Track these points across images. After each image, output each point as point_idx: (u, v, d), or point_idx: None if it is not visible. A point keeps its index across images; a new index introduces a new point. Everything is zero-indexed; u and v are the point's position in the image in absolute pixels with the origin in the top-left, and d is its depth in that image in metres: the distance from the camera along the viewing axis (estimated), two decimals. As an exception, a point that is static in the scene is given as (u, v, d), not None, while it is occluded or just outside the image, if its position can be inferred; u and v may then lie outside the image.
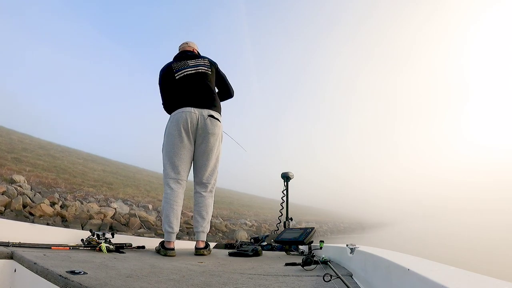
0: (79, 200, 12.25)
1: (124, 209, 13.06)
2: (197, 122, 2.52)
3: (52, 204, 10.90)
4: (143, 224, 11.77)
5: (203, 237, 2.60)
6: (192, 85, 2.63)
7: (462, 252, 12.60)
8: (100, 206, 12.47)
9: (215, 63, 2.81)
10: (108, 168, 25.29)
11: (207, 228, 2.63)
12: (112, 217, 11.71)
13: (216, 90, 2.82)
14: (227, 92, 2.88)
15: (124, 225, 11.47)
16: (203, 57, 2.79)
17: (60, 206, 11.01)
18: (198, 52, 2.91)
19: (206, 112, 2.55)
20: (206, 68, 2.70)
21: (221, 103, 2.78)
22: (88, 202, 12.50)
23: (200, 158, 2.61)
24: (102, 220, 11.08)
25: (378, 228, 44.69)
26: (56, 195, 11.86)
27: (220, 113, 2.68)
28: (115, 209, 12.49)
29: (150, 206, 14.91)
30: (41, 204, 10.29)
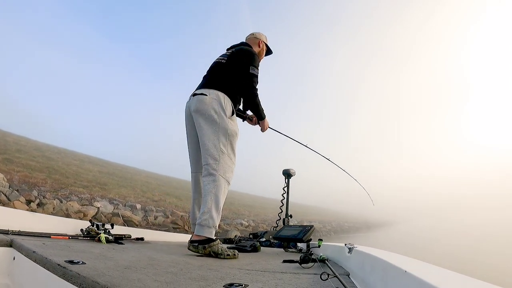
0: (58, 199, 11.97)
1: (108, 208, 12.79)
2: (189, 108, 2.41)
3: (29, 202, 10.65)
4: (125, 224, 11.59)
5: (198, 230, 2.17)
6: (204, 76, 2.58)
7: (466, 250, 12.61)
8: (82, 205, 12.22)
9: (242, 53, 2.49)
10: (104, 169, 25.21)
11: (205, 221, 2.15)
12: (94, 217, 11.47)
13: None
14: (242, 86, 2.45)
15: None
16: (238, 47, 2.58)
17: (37, 204, 10.78)
18: (249, 43, 2.72)
19: (194, 95, 2.40)
20: (222, 57, 2.53)
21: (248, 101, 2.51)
22: (69, 201, 12.19)
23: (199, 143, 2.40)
24: (81, 219, 10.86)
25: (384, 227, 44.46)
26: (35, 193, 11.56)
27: (213, 88, 2.35)
28: (98, 208, 12.22)
29: (138, 206, 14.59)
30: (15, 202, 10.05)
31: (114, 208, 13.14)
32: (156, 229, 11.81)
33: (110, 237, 2.25)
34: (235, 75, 2.42)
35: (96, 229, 2.32)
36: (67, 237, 2.12)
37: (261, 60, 2.77)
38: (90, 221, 2.43)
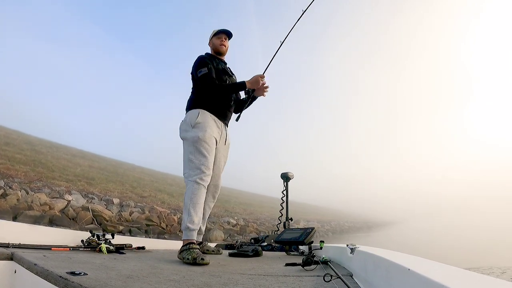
0: (24, 189, 11.42)
1: (80, 202, 12.15)
2: None
3: (-10, 193, 10.19)
4: (95, 219, 11.07)
5: (184, 235, 2.28)
6: None
7: (473, 251, 12.58)
8: (52, 197, 11.60)
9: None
10: (96, 164, 24.66)
11: (183, 224, 2.29)
12: (61, 210, 10.93)
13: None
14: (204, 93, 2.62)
15: (72, 219, 10.71)
16: None
17: (1, 195, 10.30)
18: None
19: None
20: None
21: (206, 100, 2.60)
22: (37, 192, 11.55)
23: None
24: (45, 212, 10.27)
25: (386, 227, 43.86)
26: (1, 183, 11.10)
27: (188, 109, 2.59)
28: (68, 201, 11.60)
29: (116, 201, 13.91)
30: (-27, 191, 9.58)
31: (86, 202, 12.44)
32: (127, 226, 11.45)
33: (111, 247, 2.24)
34: (195, 87, 2.65)
35: (96, 239, 2.31)
36: (68, 248, 2.12)
37: (220, 48, 2.74)
38: (91, 231, 2.42)
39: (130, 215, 12.79)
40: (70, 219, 10.65)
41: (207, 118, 2.50)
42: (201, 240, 2.67)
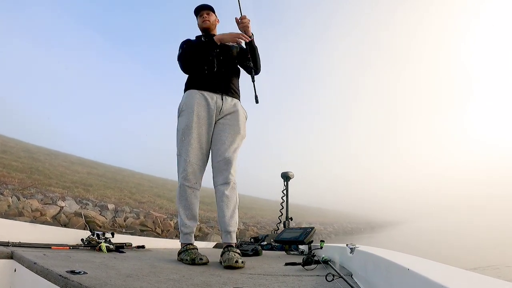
0: (15, 196, 11.23)
1: (73, 207, 11.98)
2: None
3: (-20, 199, 10.06)
4: (87, 225, 11.11)
5: (180, 238, 2.25)
6: None
7: (470, 251, 12.56)
8: (45, 204, 11.47)
9: None
10: (94, 171, 24.45)
11: (179, 228, 2.28)
12: (54, 216, 10.82)
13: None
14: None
15: (64, 225, 10.46)
16: None
17: None
18: None
19: None
20: None
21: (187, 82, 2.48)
22: (29, 199, 11.41)
23: None
24: (35, 218, 10.07)
25: (388, 227, 43.63)
26: None
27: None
28: (61, 207, 11.44)
29: (111, 206, 13.71)
30: (-41, 199, 9.61)
31: (80, 208, 12.24)
32: (120, 231, 11.41)
33: (111, 246, 2.24)
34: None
35: (96, 238, 2.31)
36: (68, 247, 2.11)
37: (204, 24, 2.59)
38: (91, 230, 2.43)
39: (124, 221, 12.61)
40: (62, 225, 10.52)
41: (193, 100, 2.30)
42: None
